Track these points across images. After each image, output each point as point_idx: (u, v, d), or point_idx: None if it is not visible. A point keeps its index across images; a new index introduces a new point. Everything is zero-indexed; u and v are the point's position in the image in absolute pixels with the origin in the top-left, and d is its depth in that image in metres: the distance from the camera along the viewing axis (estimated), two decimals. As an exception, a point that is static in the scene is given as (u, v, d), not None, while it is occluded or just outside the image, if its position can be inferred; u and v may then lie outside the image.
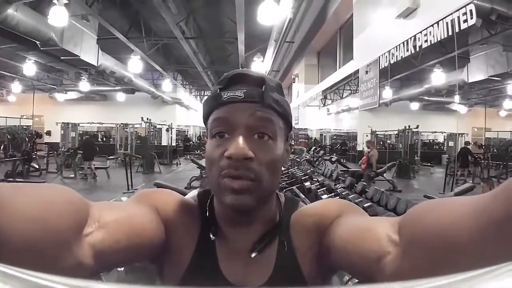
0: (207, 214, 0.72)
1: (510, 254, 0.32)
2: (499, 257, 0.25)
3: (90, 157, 12.04)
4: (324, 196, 5.94)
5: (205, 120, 0.70)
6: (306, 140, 23.12)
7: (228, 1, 7.74)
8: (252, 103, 0.64)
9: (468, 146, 14.09)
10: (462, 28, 3.30)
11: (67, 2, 6.22)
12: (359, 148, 19.18)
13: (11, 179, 9.81)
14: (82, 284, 0.23)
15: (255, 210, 0.68)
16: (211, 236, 0.69)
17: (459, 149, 14.09)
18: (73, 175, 11.80)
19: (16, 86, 17.66)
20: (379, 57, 5.20)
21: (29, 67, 11.95)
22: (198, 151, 20.98)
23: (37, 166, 12.09)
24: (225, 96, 0.65)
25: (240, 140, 0.62)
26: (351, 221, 0.64)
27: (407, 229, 0.49)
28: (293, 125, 0.76)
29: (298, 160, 11.33)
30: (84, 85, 15.59)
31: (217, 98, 0.66)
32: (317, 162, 13.21)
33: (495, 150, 17.92)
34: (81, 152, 12.11)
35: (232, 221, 0.70)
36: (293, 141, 22.06)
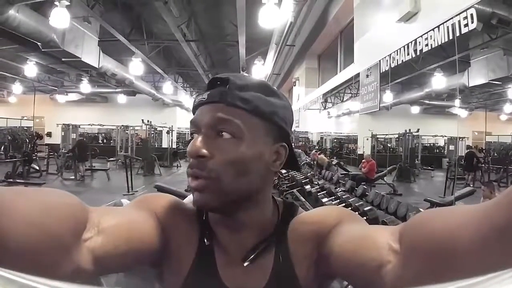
0: (203, 219, 0.72)
1: None
2: (501, 264, 0.24)
3: (83, 159, 12.08)
4: (325, 200, 5.93)
5: None
6: (304, 144, 23.25)
7: (230, 4, 7.75)
8: (214, 103, 0.65)
9: (473, 150, 14.08)
10: (462, 32, 3.30)
11: (69, 4, 6.23)
12: (359, 151, 19.18)
13: (11, 180, 9.81)
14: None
15: (237, 212, 0.68)
16: (205, 241, 0.69)
17: (465, 153, 14.12)
18: (73, 177, 11.79)
19: (17, 87, 17.68)
20: (379, 60, 5.20)
21: (30, 68, 11.98)
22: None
23: (37, 168, 12.08)
24: (196, 101, 0.68)
25: (198, 139, 0.63)
26: (350, 230, 0.64)
27: (408, 238, 0.49)
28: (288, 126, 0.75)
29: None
30: (85, 87, 15.62)
31: (193, 103, 0.70)
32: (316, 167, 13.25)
33: (495, 154, 17.90)
34: (72, 155, 12.12)
35: (224, 225, 0.70)
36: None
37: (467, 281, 0.22)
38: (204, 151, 0.62)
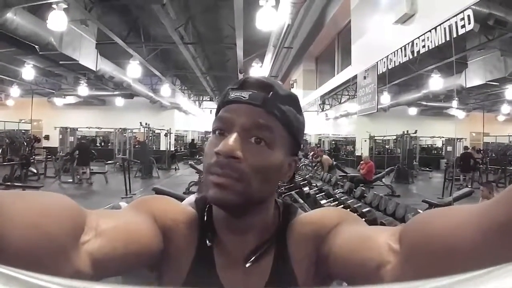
0: (205, 220, 0.72)
1: None
2: (501, 260, 0.25)
3: (86, 162, 11.95)
4: (323, 201, 5.94)
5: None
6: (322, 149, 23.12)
7: (227, 7, 7.76)
8: (254, 106, 0.65)
9: (469, 151, 14.09)
10: (459, 33, 3.31)
11: (66, 6, 6.24)
12: (357, 153, 19.20)
13: (9, 183, 9.78)
14: (82, 285, 0.23)
15: (246, 215, 0.68)
16: (207, 242, 0.69)
17: (460, 154, 14.14)
18: (71, 180, 11.76)
19: (14, 90, 17.66)
20: (377, 62, 5.21)
21: (28, 71, 11.96)
22: (197, 156, 20.95)
23: (35, 171, 12.06)
24: (231, 96, 0.67)
25: (232, 138, 0.62)
26: (350, 230, 0.64)
27: (408, 238, 0.49)
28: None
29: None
30: (83, 90, 15.57)
31: (225, 97, 0.68)
32: (315, 167, 13.24)
33: (493, 155, 17.95)
34: (76, 156, 12.01)
35: (228, 226, 0.70)
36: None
37: (464, 275, 0.22)
38: (239, 153, 0.61)
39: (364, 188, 6.91)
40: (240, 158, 0.61)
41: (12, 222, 0.40)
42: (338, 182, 8.10)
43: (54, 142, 18.11)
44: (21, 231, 0.40)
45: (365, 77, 6.20)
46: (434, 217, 0.46)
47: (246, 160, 0.62)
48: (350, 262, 0.57)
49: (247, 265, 0.67)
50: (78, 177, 11.82)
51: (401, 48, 4.38)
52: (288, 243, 0.70)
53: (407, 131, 15.18)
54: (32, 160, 12.11)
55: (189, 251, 0.69)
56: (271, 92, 0.66)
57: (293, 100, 0.70)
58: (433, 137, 20.22)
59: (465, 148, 15.40)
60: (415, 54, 4.21)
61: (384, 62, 4.93)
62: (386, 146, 20.65)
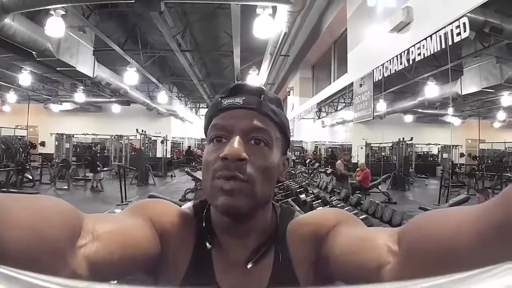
0: (203, 224, 0.72)
1: (510, 256, 0.32)
2: (498, 260, 0.25)
3: (94, 169, 11.92)
4: (319, 209, 5.92)
5: (206, 129, 0.72)
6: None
7: (224, 14, 7.80)
8: (249, 109, 0.67)
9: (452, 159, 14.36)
10: (455, 41, 3.33)
11: (64, 13, 6.24)
12: (353, 160, 19.22)
13: (4, 189, 9.71)
14: (82, 285, 0.23)
15: (250, 219, 0.68)
16: (207, 244, 0.69)
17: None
18: (66, 187, 11.69)
19: (11, 96, 17.59)
20: (373, 70, 5.24)
21: (25, 77, 11.94)
22: (194, 163, 20.90)
23: (30, 177, 11.99)
24: (224, 103, 0.68)
25: (236, 141, 0.63)
26: (349, 231, 0.64)
27: (407, 238, 0.49)
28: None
29: (293, 172, 11.33)
30: (80, 96, 15.55)
31: (217, 105, 0.70)
32: (312, 175, 13.23)
33: (489, 161, 18.01)
34: (86, 163, 12.00)
35: (228, 231, 0.70)
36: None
37: (461, 274, 0.22)
38: (245, 154, 0.63)
39: (360, 195, 6.91)
40: (246, 159, 0.63)
41: (8, 224, 0.40)
42: (334, 189, 8.10)
43: (50, 148, 18.03)
44: (17, 233, 0.40)
45: (361, 85, 6.23)
46: (432, 218, 0.47)
47: (251, 161, 0.64)
48: (350, 263, 0.58)
49: (249, 266, 0.67)
50: (92, 186, 11.80)
51: (397, 56, 4.41)
52: (288, 243, 0.71)
53: (403, 138, 15.20)
54: (28, 166, 12.04)
55: (186, 255, 0.69)
56: (263, 95, 0.69)
57: (280, 102, 0.74)
58: (429, 144, 20.27)
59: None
60: (411, 62, 4.23)
61: (380, 69, 4.96)
62: (382, 153, 20.65)
